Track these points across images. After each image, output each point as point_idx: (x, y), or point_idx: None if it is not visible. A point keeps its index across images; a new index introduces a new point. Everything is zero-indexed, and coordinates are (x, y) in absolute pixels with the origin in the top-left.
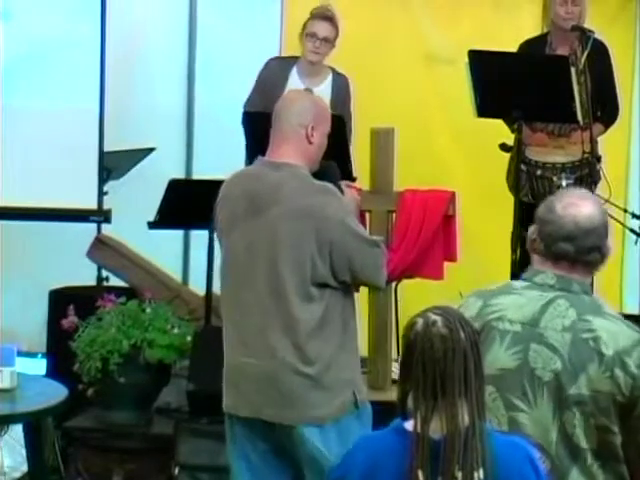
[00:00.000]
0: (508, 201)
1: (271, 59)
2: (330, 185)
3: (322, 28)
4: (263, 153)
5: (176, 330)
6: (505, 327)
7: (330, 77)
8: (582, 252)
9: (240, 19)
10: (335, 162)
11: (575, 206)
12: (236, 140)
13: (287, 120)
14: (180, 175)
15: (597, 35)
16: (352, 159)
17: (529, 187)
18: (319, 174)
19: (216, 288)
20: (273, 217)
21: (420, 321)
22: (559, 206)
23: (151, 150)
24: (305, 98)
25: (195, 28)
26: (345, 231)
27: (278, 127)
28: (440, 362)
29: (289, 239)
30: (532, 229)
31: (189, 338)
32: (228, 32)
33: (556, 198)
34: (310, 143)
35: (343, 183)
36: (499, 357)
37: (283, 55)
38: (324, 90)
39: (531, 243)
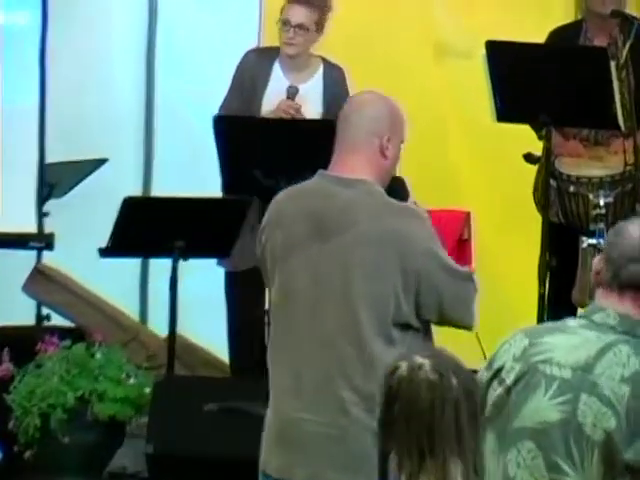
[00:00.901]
0: (534, 222)
1: (250, 51)
2: (415, 207)
3: (296, 13)
4: (240, 165)
5: (132, 380)
6: (552, 372)
7: (321, 70)
8: None
9: (210, 4)
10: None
11: None
12: (205, 150)
13: (359, 127)
14: (137, 192)
15: None
16: None
17: (559, 205)
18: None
19: (181, 328)
20: (346, 243)
21: (404, 365)
22: (631, 227)
23: (102, 162)
24: (381, 102)
25: (155, 15)
26: (433, 261)
27: (347, 135)
28: (427, 414)
29: (366, 270)
30: (597, 259)
31: (147, 390)
32: (195, 21)
33: (628, 221)
34: (384, 157)
35: (412, 201)
36: (542, 407)
37: (258, 47)
38: (313, 87)
39: (595, 276)
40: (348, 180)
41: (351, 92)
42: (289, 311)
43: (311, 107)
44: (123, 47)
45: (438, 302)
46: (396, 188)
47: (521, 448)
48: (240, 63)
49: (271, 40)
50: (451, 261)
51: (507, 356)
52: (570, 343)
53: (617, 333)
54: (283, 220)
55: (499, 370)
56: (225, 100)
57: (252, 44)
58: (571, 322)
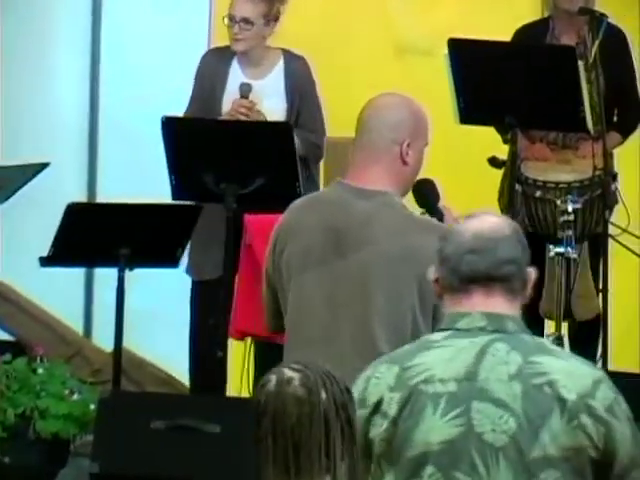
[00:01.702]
0: None
1: (207, 52)
2: (435, 220)
3: (240, 7)
4: (190, 169)
5: (76, 396)
6: (436, 389)
7: (281, 62)
8: (494, 266)
9: (157, 3)
10: (281, 181)
11: (476, 218)
12: (153, 154)
13: (377, 134)
14: (81, 198)
15: (611, 20)
16: (301, 176)
17: (525, 212)
18: (414, 194)
19: (127, 342)
20: (364, 259)
21: (273, 379)
22: (455, 227)
23: (44, 166)
24: (400, 105)
25: (99, 14)
26: None
27: (366, 142)
28: (294, 430)
29: (385, 288)
30: (431, 269)
31: (92, 406)
32: (142, 20)
33: (454, 225)
34: (404, 164)
35: (442, 205)
36: (435, 427)
37: (216, 46)
38: (274, 81)
39: (435, 285)
40: (367, 191)
41: (317, 82)
42: (304, 327)
43: (273, 102)
44: (66, 47)
45: None
46: (426, 191)
47: (423, 475)
48: (198, 66)
49: (222, 41)
50: None
51: (381, 389)
52: (445, 357)
53: (488, 333)
54: (301, 231)
55: (377, 405)
56: (188, 105)
57: (201, 45)
58: (435, 336)
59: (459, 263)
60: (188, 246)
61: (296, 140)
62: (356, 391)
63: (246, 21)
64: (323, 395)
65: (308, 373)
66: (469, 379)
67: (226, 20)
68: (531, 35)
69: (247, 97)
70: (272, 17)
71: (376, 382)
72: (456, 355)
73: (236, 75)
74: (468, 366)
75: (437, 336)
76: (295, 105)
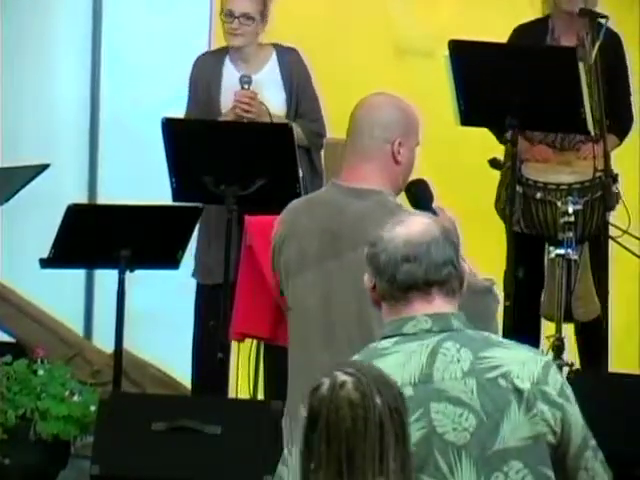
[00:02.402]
0: (498, 231)
1: (198, 57)
2: (426, 215)
3: (239, 3)
4: (190, 170)
5: (76, 398)
6: None
7: (274, 56)
8: (432, 270)
9: (158, 4)
10: (281, 182)
11: (402, 224)
12: (152, 156)
13: (369, 133)
14: (82, 199)
15: (611, 20)
16: (304, 172)
17: (522, 213)
18: (407, 195)
19: (127, 344)
20: (358, 259)
21: (326, 383)
22: (383, 232)
23: (44, 167)
24: (391, 104)
25: (100, 15)
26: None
27: (357, 142)
28: (349, 435)
29: None
30: (366, 277)
31: (93, 408)
32: (142, 21)
33: (379, 230)
34: (397, 163)
35: (436, 206)
36: None
37: (206, 51)
38: (269, 74)
39: (371, 293)
40: (360, 191)
41: (311, 71)
42: (302, 330)
43: (271, 94)
44: (66, 48)
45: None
46: (419, 192)
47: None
48: (192, 72)
49: (222, 41)
50: (469, 274)
51: None
52: (396, 362)
53: (436, 334)
54: (296, 233)
55: None
56: (187, 109)
57: (202, 45)
58: (382, 344)
59: (395, 273)
60: (195, 249)
61: (298, 131)
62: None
63: (246, 16)
64: (377, 399)
65: (361, 377)
66: (424, 381)
67: (223, 17)
68: (530, 35)
69: (249, 88)
70: (265, 15)
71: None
72: (408, 359)
73: (230, 73)
74: (422, 369)
75: (385, 343)
76: (294, 95)
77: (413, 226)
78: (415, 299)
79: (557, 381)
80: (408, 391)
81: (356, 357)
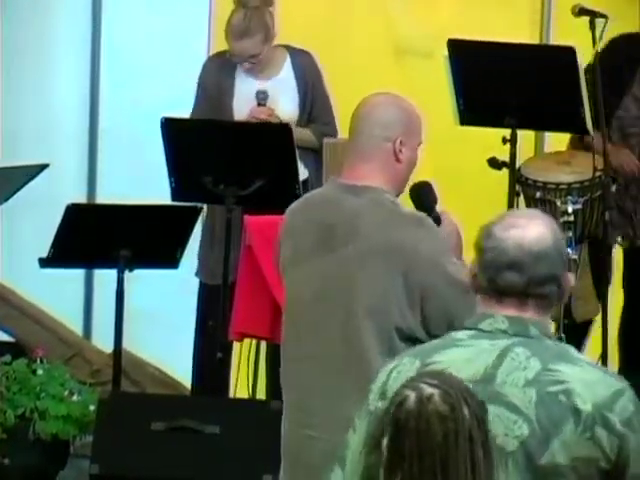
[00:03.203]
0: None
1: (208, 59)
2: (423, 215)
3: (240, 48)
4: (189, 170)
5: (75, 397)
6: None
7: (288, 59)
8: (534, 284)
9: (157, 7)
10: (281, 182)
11: (519, 227)
12: (151, 155)
13: (369, 132)
14: (81, 199)
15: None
16: (307, 177)
17: None
18: (411, 197)
19: (127, 343)
20: (350, 254)
21: (412, 396)
22: (498, 228)
23: (44, 167)
24: (393, 104)
25: (99, 16)
26: (440, 276)
27: (358, 141)
28: (440, 449)
29: (370, 282)
30: (472, 264)
31: (92, 407)
32: (141, 20)
33: (495, 221)
34: (398, 161)
35: (440, 210)
36: None
37: (216, 51)
38: (284, 78)
39: (472, 280)
40: (357, 188)
41: (324, 73)
42: (293, 323)
43: (286, 99)
44: (66, 48)
45: (448, 318)
46: (423, 194)
47: None
48: (201, 75)
49: (222, 41)
50: (462, 275)
51: (401, 382)
52: (464, 356)
53: (510, 337)
54: (293, 231)
55: None
56: (194, 109)
57: (201, 46)
58: (459, 334)
59: (496, 277)
60: (198, 249)
61: (309, 134)
62: (376, 384)
63: (253, 56)
64: (466, 411)
65: (448, 389)
66: (486, 381)
67: (229, 55)
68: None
69: (264, 104)
70: (271, 34)
71: (396, 376)
72: (476, 356)
73: (244, 79)
74: (486, 368)
75: (462, 335)
76: (308, 98)
77: (528, 232)
78: (509, 304)
79: (626, 409)
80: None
81: (434, 342)
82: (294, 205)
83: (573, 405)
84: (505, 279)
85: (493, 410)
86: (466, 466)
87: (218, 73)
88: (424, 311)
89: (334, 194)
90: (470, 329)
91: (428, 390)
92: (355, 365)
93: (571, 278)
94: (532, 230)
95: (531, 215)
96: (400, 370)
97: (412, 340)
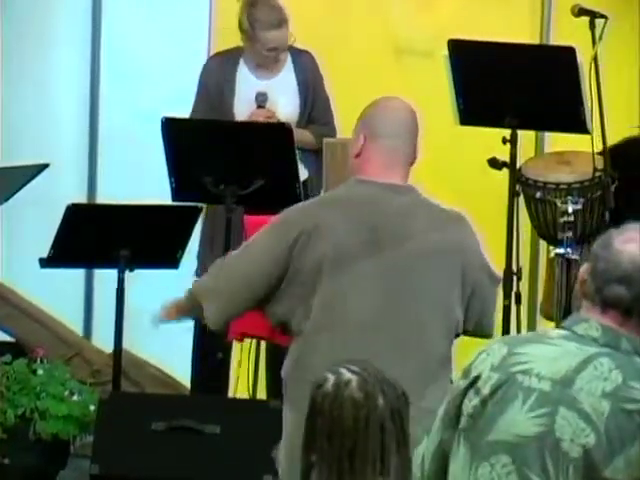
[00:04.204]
0: (500, 230)
1: (210, 58)
2: (461, 212)
3: (282, 37)
4: (190, 170)
5: (76, 397)
6: (531, 383)
7: (289, 60)
8: (639, 301)
9: (157, 8)
10: (281, 182)
11: (637, 242)
12: (151, 155)
13: (404, 136)
14: (81, 199)
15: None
16: (307, 177)
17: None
18: None
19: (127, 343)
20: (407, 253)
21: (331, 380)
22: (617, 240)
23: (44, 167)
24: (412, 109)
25: (99, 17)
26: (485, 272)
27: (393, 143)
28: (350, 434)
29: (434, 280)
30: (584, 267)
31: (92, 407)
32: (141, 19)
33: (617, 231)
34: (413, 163)
35: None
36: (518, 420)
37: (218, 51)
38: (285, 78)
39: (581, 284)
40: (399, 187)
41: (324, 75)
42: (339, 327)
43: (286, 99)
44: (66, 48)
45: (481, 313)
46: None
47: (495, 463)
48: (202, 74)
49: (221, 41)
50: (492, 266)
51: (484, 365)
52: (550, 354)
53: (599, 345)
54: (332, 231)
55: (476, 379)
56: (193, 110)
57: (202, 46)
58: (552, 332)
59: (604, 288)
60: (198, 249)
61: (308, 135)
62: (467, 362)
63: (288, 47)
64: (380, 400)
65: (366, 376)
66: (564, 384)
67: (265, 52)
68: None
69: (264, 107)
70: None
71: (484, 357)
72: (561, 356)
73: (245, 78)
74: (568, 371)
75: (554, 333)
76: (309, 99)
77: None
78: (611, 316)
79: None
80: (546, 386)
81: (527, 334)
82: (322, 202)
83: None
84: (612, 292)
85: (564, 413)
86: (375, 455)
87: (220, 72)
88: (468, 308)
89: (377, 194)
90: (564, 329)
91: (347, 375)
92: (423, 372)
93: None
94: None
95: None
96: (489, 353)
97: (456, 336)
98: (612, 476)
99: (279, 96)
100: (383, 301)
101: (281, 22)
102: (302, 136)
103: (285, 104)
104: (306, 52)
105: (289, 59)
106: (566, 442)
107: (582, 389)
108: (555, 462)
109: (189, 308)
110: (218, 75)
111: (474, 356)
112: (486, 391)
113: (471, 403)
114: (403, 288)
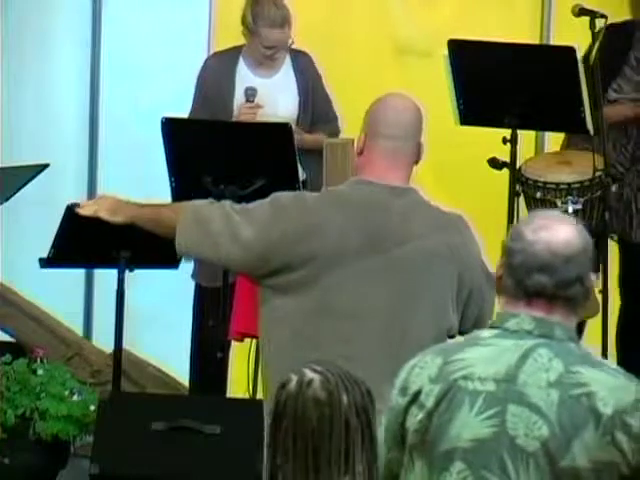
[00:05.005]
0: (501, 230)
1: (209, 58)
2: (461, 215)
3: (284, 36)
4: (190, 170)
5: (76, 397)
6: (475, 387)
7: (288, 59)
8: (562, 286)
9: (157, 7)
10: (281, 182)
11: (548, 229)
12: (151, 155)
13: (405, 134)
14: (81, 199)
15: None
16: (304, 178)
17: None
18: None
19: (127, 343)
20: (408, 256)
21: (294, 380)
22: (528, 230)
23: (44, 167)
24: (414, 106)
25: (99, 16)
26: (483, 276)
27: (394, 142)
28: (314, 433)
29: (431, 283)
30: (498, 263)
31: (92, 407)
32: (142, 19)
33: (524, 222)
34: (417, 162)
35: None
36: (469, 425)
37: (218, 50)
38: (285, 77)
39: (498, 282)
40: (398, 189)
41: (323, 73)
42: (330, 327)
43: (285, 98)
44: (66, 47)
45: (478, 316)
46: None
47: (452, 471)
48: (201, 73)
49: (221, 40)
50: (490, 269)
51: (422, 379)
52: (488, 355)
53: (534, 337)
54: (331, 229)
55: (417, 394)
56: (192, 110)
57: (202, 45)
58: (484, 333)
59: (526, 279)
60: None
61: (324, 137)
62: (399, 379)
63: (287, 45)
64: (344, 398)
65: (329, 375)
66: (508, 381)
67: (263, 49)
68: (619, 33)
69: (253, 101)
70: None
71: (419, 372)
72: (499, 355)
73: (244, 75)
74: (509, 368)
75: (486, 333)
76: (309, 99)
77: (558, 234)
78: (537, 305)
79: None
80: (490, 386)
81: (459, 339)
82: (322, 201)
83: (594, 408)
84: (535, 281)
85: (514, 410)
86: (339, 453)
87: (219, 72)
88: (465, 310)
89: (377, 196)
90: (495, 328)
91: (309, 375)
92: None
93: (593, 277)
94: (561, 232)
95: (559, 217)
96: (422, 367)
97: (451, 337)
98: (572, 463)
99: (278, 95)
100: (378, 303)
101: (284, 22)
102: (316, 142)
103: (285, 103)
104: (304, 53)
105: (288, 59)
106: (521, 438)
107: (527, 383)
108: (514, 460)
109: (155, 219)
110: (217, 74)
111: (405, 373)
112: (430, 404)
113: (416, 419)
114: (399, 290)
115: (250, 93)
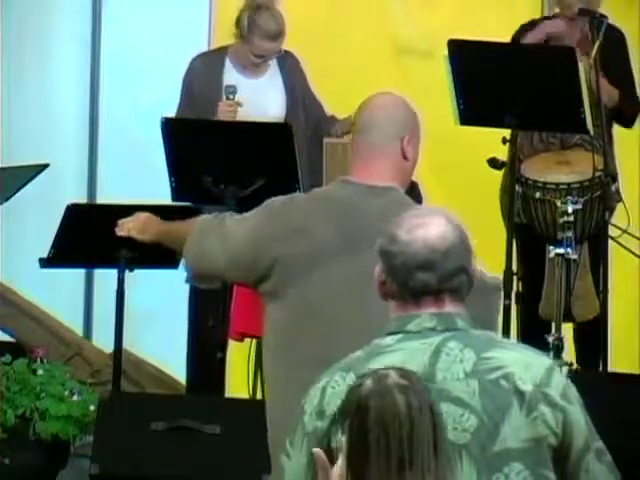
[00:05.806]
0: (500, 230)
1: (194, 58)
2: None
3: (275, 48)
4: (189, 170)
5: (76, 397)
6: None
7: (274, 60)
8: (445, 279)
9: (157, 8)
10: (281, 182)
11: (421, 227)
12: (151, 155)
13: (380, 131)
14: (81, 199)
15: (611, 20)
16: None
17: (522, 210)
18: None
19: (127, 343)
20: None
21: (369, 379)
22: (401, 232)
23: (44, 167)
24: (398, 103)
25: (99, 17)
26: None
27: (369, 139)
28: (406, 418)
29: None
30: (378, 269)
31: (92, 407)
32: (142, 19)
33: (396, 224)
34: (405, 159)
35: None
36: None
37: (203, 52)
38: (272, 77)
39: (380, 287)
40: (377, 189)
41: (307, 71)
42: (307, 332)
43: (273, 98)
44: (66, 48)
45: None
46: (409, 192)
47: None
48: (187, 73)
49: (222, 40)
50: (480, 273)
51: (337, 399)
52: (400, 360)
53: (439, 333)
54: (309, 230)
55: (336, 416)
56: (178, 110)
57: (202, 45)
58: (385, 341)
59: (408, 279)
60: None
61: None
62: (310, 403)
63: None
64: (423, 385)
65: (399, 369)
66: (427, 381)
67: (252, 57)
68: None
69: (233, 98)
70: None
71: (332, 392)
72: (411, 358)
73: (231, 75)
74: (424, 368)
75: (389, 340)
76: (299, 99)
77: (432, 229)
78: (424, 302)
79: (560, 383)
80: None
81: (359, 353)
82: (303, 201)
83: (515, 388)
84: (418, 280)
85: (439, 407)
86: (428, 439)
87: (206, 73)
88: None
89: (355, 196)
90: (395, 333)
91: (382, 371)
92: None
93: (476, 264)
94: (434, 228)
95: (431, 212)
96: (334, 386)
97: None
98: (504, 446)
99: (267, 95)
100: (353, 305)
101: (277, 35)
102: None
103: (274, 104)
104: (290, 53)
105: (274, 60)
106: (450, 433)
107: (445, 378)
108: (445, 455)
109: (173, 236)
110: (204, 75)
111: (316, 396)
112: None
113: (342, 438)
114: (374, 292)
115: (230, 91)
